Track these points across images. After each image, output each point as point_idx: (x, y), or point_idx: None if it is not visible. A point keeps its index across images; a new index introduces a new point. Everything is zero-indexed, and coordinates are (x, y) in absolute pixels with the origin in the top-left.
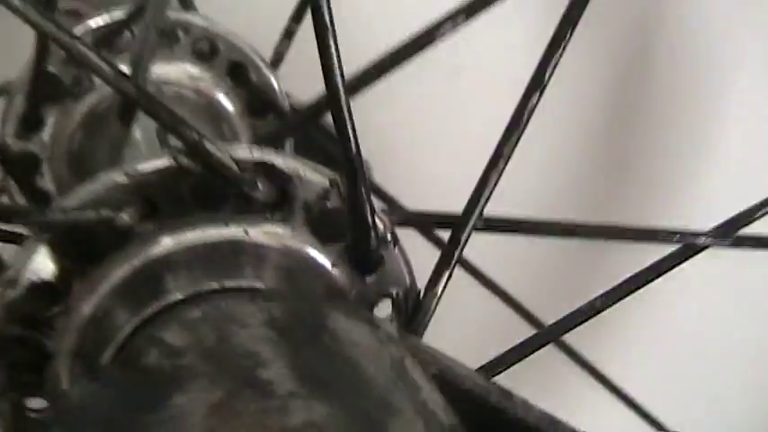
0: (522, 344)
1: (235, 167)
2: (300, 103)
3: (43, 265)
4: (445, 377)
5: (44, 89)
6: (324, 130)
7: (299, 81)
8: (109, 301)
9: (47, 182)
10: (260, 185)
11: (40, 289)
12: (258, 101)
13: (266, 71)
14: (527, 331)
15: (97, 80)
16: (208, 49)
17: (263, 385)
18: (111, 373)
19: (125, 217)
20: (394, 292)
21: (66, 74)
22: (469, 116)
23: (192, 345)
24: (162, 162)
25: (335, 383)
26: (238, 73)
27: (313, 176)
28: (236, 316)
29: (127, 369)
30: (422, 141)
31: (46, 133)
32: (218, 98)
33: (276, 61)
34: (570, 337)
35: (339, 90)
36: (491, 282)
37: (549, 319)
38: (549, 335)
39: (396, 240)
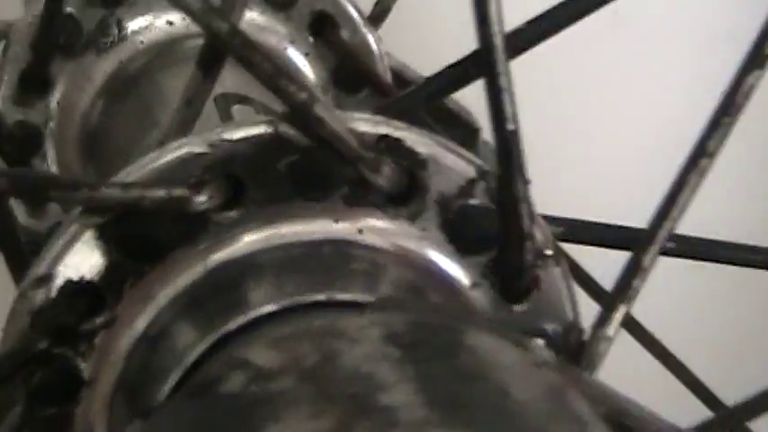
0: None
1: (353, 142)
2: (408, 74)
3: (86, 258)
4: (619, 420)
5: (56, 37)
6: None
7: (404, 44)
8: (171, 313)
9: (48, 166)
10: (384, 169)
11: (80, 292)
12: (349, 68)
13: (363, 28)
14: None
15: (131, 28)
16: None
17: (384, 412)
18: (181, 404)
19: (202, 199)
20: (550, 329)
21: (87, 17)
22: (642, 97)
23: (288, 365)
24: (256, 129)
25: (477, 410)
26: (324, 29)
27: (455, 163)
28: (344, 330)
29: (201, 398)
30: (575, 131)
31: (53, 99)
32: (293, 61)
33: (378, 16)
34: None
35: (496, 43)
36: (654, 340)
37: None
38: (731, 418)
39: (558, 258)
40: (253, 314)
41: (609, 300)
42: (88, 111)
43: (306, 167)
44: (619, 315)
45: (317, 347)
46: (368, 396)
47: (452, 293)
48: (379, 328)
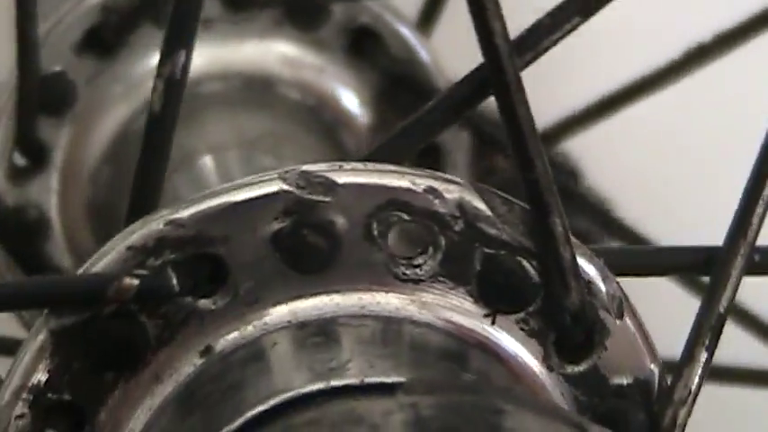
0: None
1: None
2: None
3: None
4: None
5: (43, 97)
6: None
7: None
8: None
9: (56, 248)
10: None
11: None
12: (399, 88)
13: (412, 39)
14: None
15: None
16: (313, 11)
17: None
18: None
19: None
20: (623, 382)
21: (80, 71)
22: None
23: None
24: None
25: None
26: (365, 45)
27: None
28: (366, 416)
29: None
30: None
31: (52, 170)
32: (335, 94)
33: (425, 22)
34: None
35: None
36: None
37: None
38: None
39: (621, 303)
40: (250, 411)
41: (691, 340)
42: (94, 178)
43: (295, 235)
44: (701, 361)
45: None
46: None
47: (494, 359)
48: (405, 413)
